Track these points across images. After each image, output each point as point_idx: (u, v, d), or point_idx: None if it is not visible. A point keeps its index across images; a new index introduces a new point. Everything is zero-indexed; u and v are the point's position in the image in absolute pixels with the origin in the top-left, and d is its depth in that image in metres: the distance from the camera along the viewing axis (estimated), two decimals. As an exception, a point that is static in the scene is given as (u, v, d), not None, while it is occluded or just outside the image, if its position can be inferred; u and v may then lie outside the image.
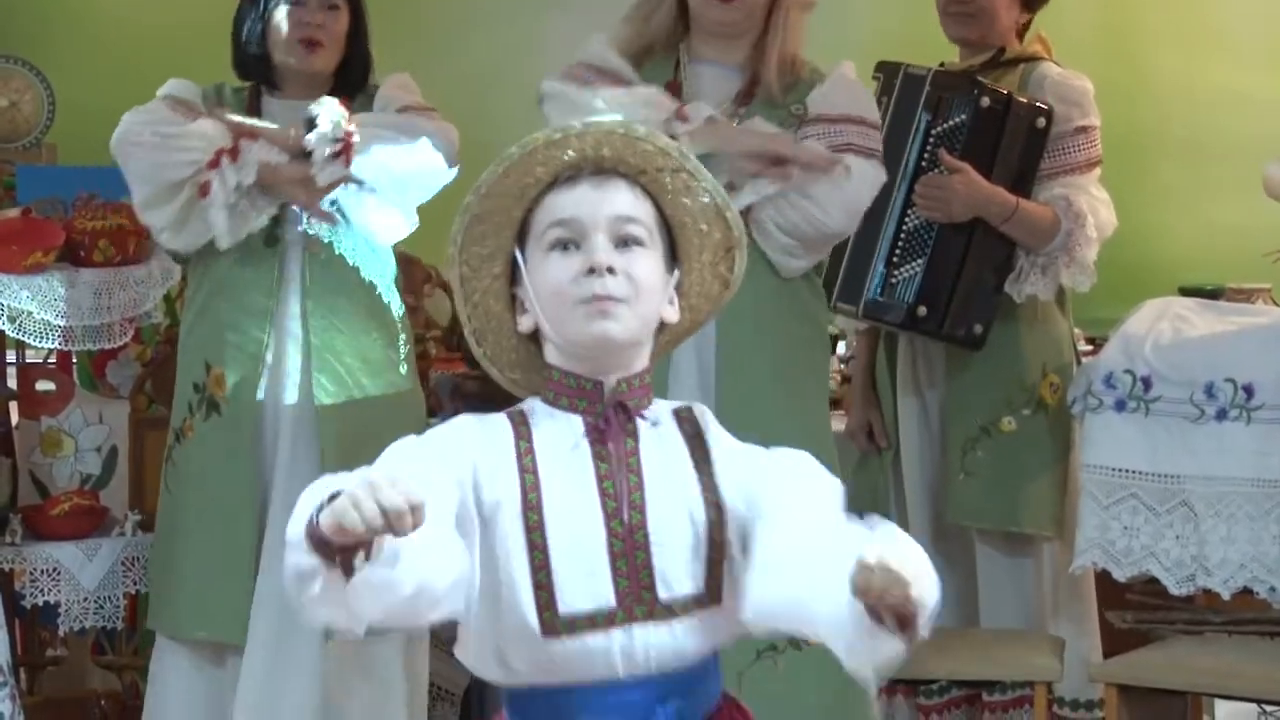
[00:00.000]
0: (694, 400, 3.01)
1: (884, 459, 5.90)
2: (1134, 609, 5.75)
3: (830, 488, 2.78)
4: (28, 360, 5.71)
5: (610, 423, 2.79)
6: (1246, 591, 5.30)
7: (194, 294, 5.32)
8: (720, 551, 2.74)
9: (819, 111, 5.04)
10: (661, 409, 2.86)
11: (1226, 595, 5.30)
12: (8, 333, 5.36)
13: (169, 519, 5.30)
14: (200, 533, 5.20)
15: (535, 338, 2.86)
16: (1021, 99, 5.58)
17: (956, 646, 5.52)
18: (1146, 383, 5.41)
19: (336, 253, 5.20)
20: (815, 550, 2.61)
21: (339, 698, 5.27)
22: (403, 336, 5.35)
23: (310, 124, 4.99)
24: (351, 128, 5.03)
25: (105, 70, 7.65)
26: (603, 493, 2.76)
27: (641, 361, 2.83)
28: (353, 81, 5.33)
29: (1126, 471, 5.41)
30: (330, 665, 5.25)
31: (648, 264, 2.78)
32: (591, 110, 4.83)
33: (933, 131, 5.58)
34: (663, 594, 2.73)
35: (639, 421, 2.81)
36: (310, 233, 5.19)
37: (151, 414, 5.77)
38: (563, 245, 2.76)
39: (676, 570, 2.72)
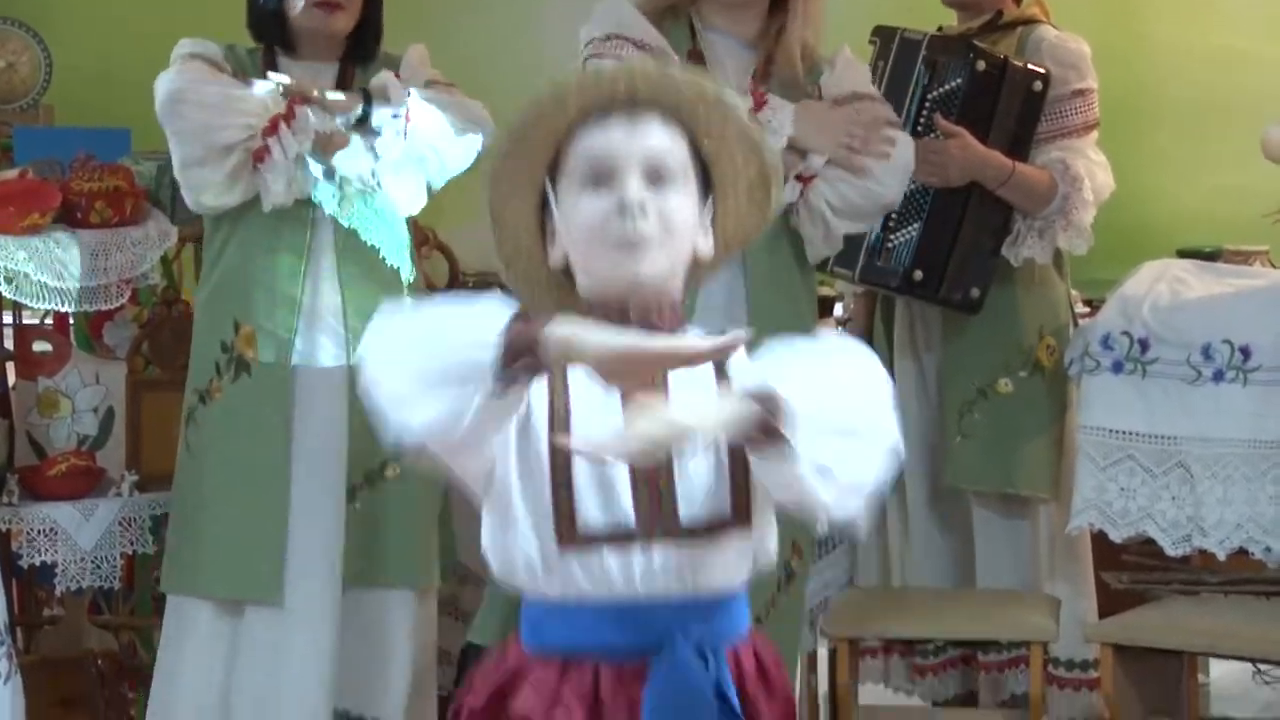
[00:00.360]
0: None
1: (882, 423, 5.84)
2: (1130, 570, 5.78)
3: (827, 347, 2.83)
4: (25, 322, 5.69)
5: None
6: (1242, 552, 5.35)
7: (219, 253, 5.26)
8: (745, 473, 2.72)
9: (836, 93, 5.06)
10: (694, 332, 2.82)
11: (1222, 556, 5.36)
12: (5, 294, 5.35)
13: (191, 481, 5.24)
14: (231, 494, 5.16)
15: (566, 268, 2.85)
16: (1018, 62, 5.59)
17: (952, 607, 5.66)
18: (1144, 344, 5.44)
19: (347, 225, 5.17)
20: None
21: (349, 658, 5.23)
22: (409, 299, 5.27)
23: (368, 96, 5.05)
24: (410, 104, 5.08)
25: (103, 32, 7.66)
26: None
27: (673, 293, 2.81)
28: (366, 45, 5.29)
29: (1123, 433, 5.45)
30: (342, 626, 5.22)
31: (680, 200, 2.76)
32: None
33: (929, 96, 5.60)
34: (685, 515, 2.72)
35: (676, 343, 2.74)
36: (324, 205, 5.14)
37: (148, 375, 5.74)
38: (595, 181, 2.75)
39: (699, 492, 2.71)
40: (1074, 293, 5.98)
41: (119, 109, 5.68)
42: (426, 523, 5.41)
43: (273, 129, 5.01)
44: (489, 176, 2.87)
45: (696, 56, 5.06)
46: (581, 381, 2.70)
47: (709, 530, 2.73)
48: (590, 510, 2.74)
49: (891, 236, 5.59)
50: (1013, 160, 5.56)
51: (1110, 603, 5.74)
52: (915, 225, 5.58)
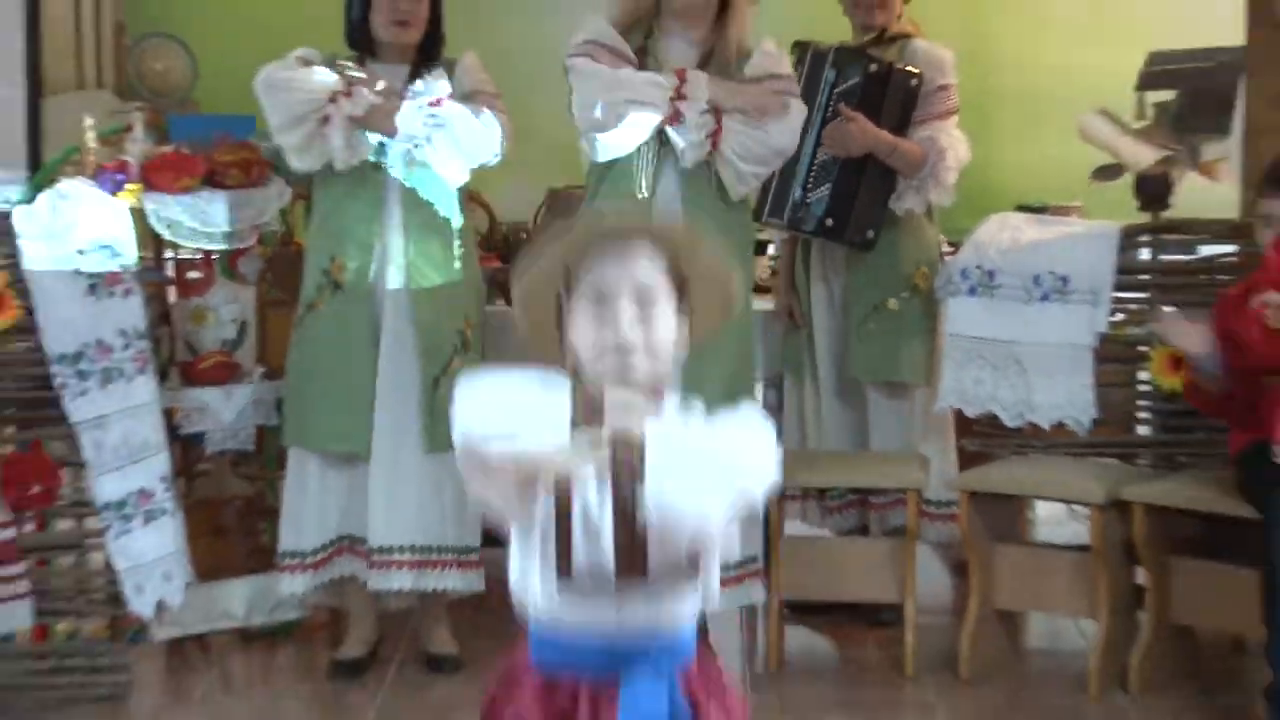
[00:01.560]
0: None
1: (802, 333, 6.02)
2: (980, 437, 6.01)
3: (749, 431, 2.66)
4: (181, 256, 5.73)
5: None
6: (1060, 425, 5.67)
7: (318, 206, 5.49)
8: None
9: (756, 73, 5.26)
10: (670, 400, 2.75)
11: (1046, 426, 5.69)
12: (166, 237, 5.57)
13: (300, 366, 5.48)
14: (330, 375, 5.39)
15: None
16: (899, 66, 5.81)
17: (852, 464, 5.93)
18: (991, 274, 5.72)
19: (409, 185, 5.32)
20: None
21: (435, 491, 5.42)
22: (457, 242, 5.45)
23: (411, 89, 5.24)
24: (442, 97, 5.22)
25: (236, 44, 7.48)
26: (616, 489, 2.59)
27: (662, 383, 2.75)
28: (431, 52, 5.42)
29: (976, 339, 5.73)
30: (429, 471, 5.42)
31: (663, 321, 2.72)
32: (616, 83, 5.09)
33: (835, 91, 5.78)
34: (652, 574, 2.64)
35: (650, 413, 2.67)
36: (392, 170, 5.31)
37: (271, 296, 5.92)
38: (597, 300, 2.70)
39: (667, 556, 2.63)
40: (941, 236, 6.14)
41: (247, 101, 5.56)
42: None
43: (332, 99, 5.19)
44: (518, 282, 2.83)
45: (642, 53, 5.27)
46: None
47: (666, 572, 2.65)
48: (578, 549, 2.64)
49: (809, 195, 5.81)
50: (896, 137, 5.76)
51: (966, 460, 6.02)
52: (826, 186, 5.80)
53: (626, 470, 2.57)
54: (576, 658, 2.74)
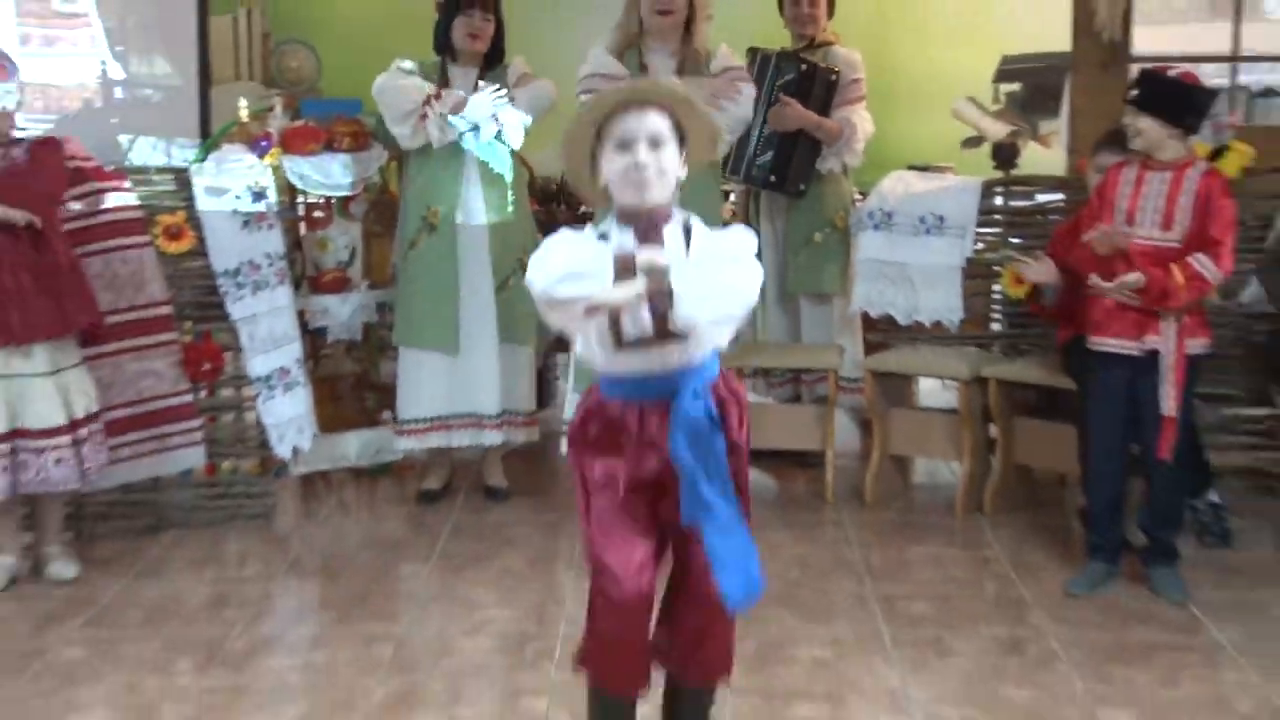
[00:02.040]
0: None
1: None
2: (880, 332, 6.00)
3: (737, 243, 2.85)
4: (309, 200, 5.73)
5: (647, 234, 2.83)
6: (937, 323, 5.68)
7: (417, 171, 5.43)
8: None
9: (720, 68, 5.28)
10: (676, 219, 2.88)
11: (928, 324, 5.69)
12: (298, 187, 5.55)
13: (408, 289, 5.48)
14: (428, 291, 5.41)
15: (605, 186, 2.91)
16: (824, 66, 5.74)
17: (789, 352, 5.92)
18: (889, 215, 5.71)
19: (478, 155, 5.30)
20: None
21: (506, 371, 5.48)
22: (511, 194, 5.43)
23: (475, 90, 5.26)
24: (500, 103, 5.23)
25: (349, 46, 7.51)
26: (651, 300, 2.74)
27: (667, 205, 2.87)
28: (495, 58, 5.43)
29: (879, 261, 5.72)
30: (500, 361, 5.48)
31: (669, 153, 2.84)
32: None
33: (777, 83, 5.72)
34: (675, 326, 2.77)
35: (664, 229, 2.84)
36: (467, 147, 5.30)
37: (374, 230, 5.92)
38: (620, 147, 2.83)
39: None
40: (853, 188, 6.03)
41: (357, 89, 5.69)
42: (532, 310, 5.47)
43: (427, 102, 5.23)
44: (563, 142, 2.93)
45: (644, 69, 5.25)
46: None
47: (688, 335, 2.81)
48: (628, 327, 2.83)
49: (759, 158, 5.76)
50: (821, 117, 5.71)
51: (870, 349, 5.98)
52: (770, 152, 5.76)
53: (657, 290, 2.71)
54: (633, 390, 2.90)
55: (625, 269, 2.76)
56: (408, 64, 5.41)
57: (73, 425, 4.60)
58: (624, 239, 2.85)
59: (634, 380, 2.91)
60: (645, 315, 2.79)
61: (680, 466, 2.82)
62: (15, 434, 4.51)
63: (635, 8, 5.29)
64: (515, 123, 5.34)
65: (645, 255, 2.74)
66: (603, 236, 2.89)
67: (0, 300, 4.43)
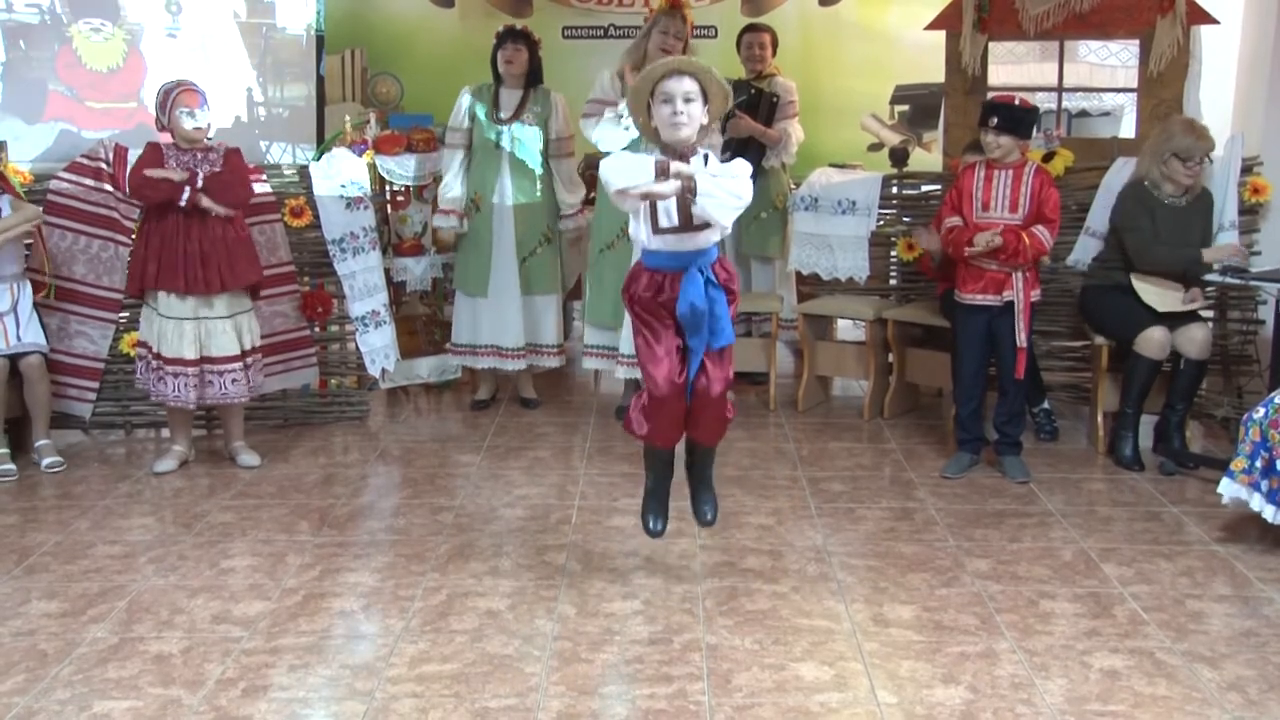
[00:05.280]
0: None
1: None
2: (809, 285, 5.85)
3: (739, 168, 3.01)
4: (394, 188, 5.55)
5: (680, 158, 3.01)
6: (850, 279, 5.51)
7: (471, 166, 5.25)
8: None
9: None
10: (699, 151, 3.07)
11: (843, 279, 5.54)
12: (386, 178, 5.48)
13: (462, 252, 5.35)
14: (473, 252, 5.30)
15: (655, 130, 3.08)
16: (769, 91, 5.59)
17: (743, 299, 5.43)
18: (816, 200, 5.59)
19: (518, 155, 5.15)
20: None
21: (528, 315, 5.36)
22: (539, 185, 5.23)
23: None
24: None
25: (425, 77, 7.38)
26: (681, 198, 2.96)
27: (693, 140, 3.04)
28: (533, 80, 5.21)
29: (808, 233, 5.56)
30: (523, 304, 5.34)
31: (697, 107, 3.03)
32: (616, 122, 4.90)
33: (734, 103, 5.33)
34: (696, 220, 3.01)
35: (691, 159, 3.03)
36: (503, 144, 5.16)
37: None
38: (665, 100, 3.02)
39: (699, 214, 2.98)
40: (790, 179, 5.84)
41: (430, 107, 5.79)
42: (555, 272, 5.37)
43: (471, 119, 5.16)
44: (629, 96, 3.17)
45: None
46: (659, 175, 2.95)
47: (701, 226, 3.03)
48: (662, 220, 3.05)
49: (722, 157, 5.53)
50: (765, 128, 5.54)
51: (802, 297, 5.84)
52: (728, 153, 5.30)
53: (687, 190, 2.93)
54: (664, 261, 3.10)
55: (663, 173, 2.95)
56: (469, 87, 5.26)
57: (243, 355, 4.55)
58: (664, 159, 3.01)
59: (665, 254, 3.08)
60: (674, 209, 2.99)
61: (681, 320, 3.08)
62: (203, 360, 4.48)
63: (645, 41, 5.05)
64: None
65: (676, 165, 2.95)
66: (655, 161, 3.01)
67: (196, 263, 4.38)
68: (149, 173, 4.32)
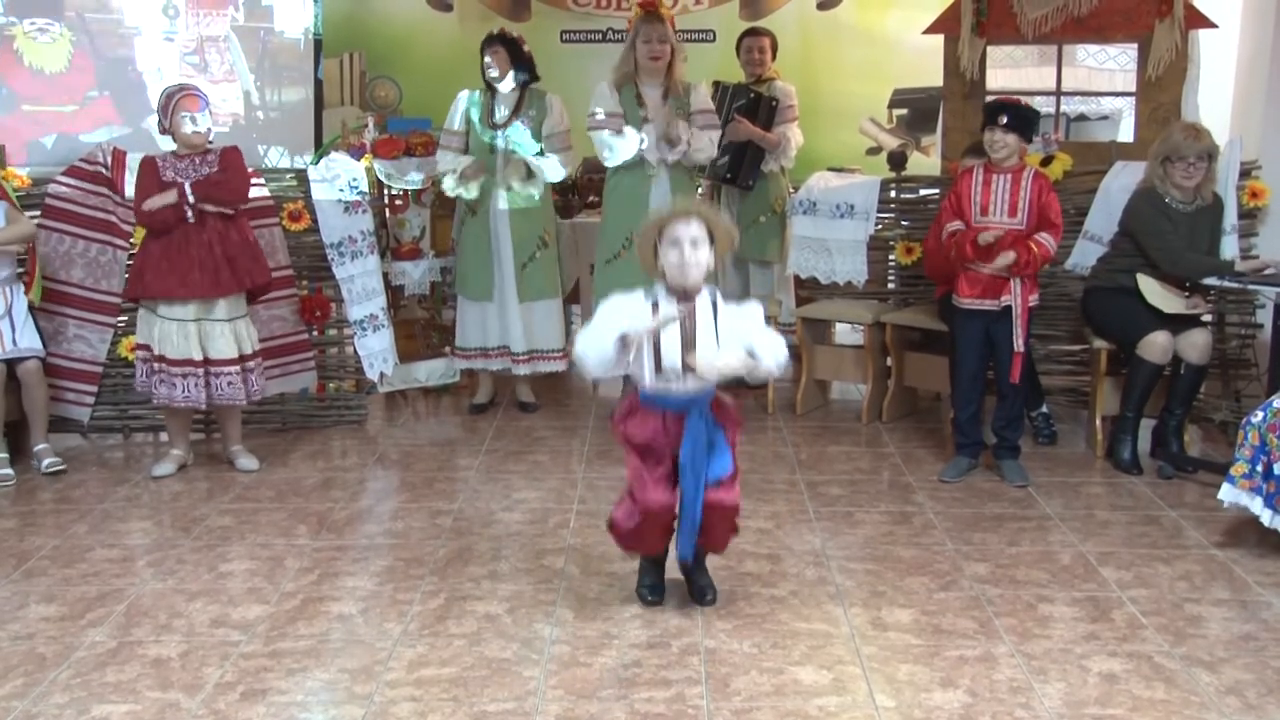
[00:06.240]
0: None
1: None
2: (808, 289, 5.87)
3: (752, 312, 3.11)
4: (392, 193, 5.59)
5: (687, 303, 3.07)
6: (849, 283, 5.49)
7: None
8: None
9: (700, 106, 5.08)
10: (705, 292, 3.10)
11: (842, 284, 5.53)
12: (384, 182, 5.51)
13: (461, 257, 5.34)
14: (473, 257, 5.28)
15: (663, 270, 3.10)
16: (768, 95, 5.63)
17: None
18: (814, 204, 5.56)
19: (516, 156, 5.11)
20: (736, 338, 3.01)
21: (529, 321, 5.33)
22: (535, 189, 5.23)
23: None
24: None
25: (422, 80, 7.36)
26: (681, 327, 3.05)
27: (700, 282, 3.08)
28: (523, 76, 5.13)
29: (807, 238, 5.57)
30: (524, 309, 5.32)
31: (704, 251, 3.06)
32: (621, 135, 4.99)
33: (734, 106, 5.61)
34: (698, 370, 3.04)
35: (696, 300, 3.07)
36: (506, 149, 5.13)
37: (439, 214, 5.73)
38: (673, 244, 3.05)
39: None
40: (789, 183, 5.81)
41: (428, 112, 5.74)
42: (554, 276, 5.35)
43: (467, 129, 5.14)
44: (638, 238, 3.15)
45: (640, 100, 5.02)
46: (668, 336, 3.04)
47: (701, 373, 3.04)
48: (667, 363, 3.07)
49: (719, 161, 5.54)
50: (765, 132, 5.59)
51: (800, 301, 5.86)
52: (728, 157, 5.58)
53: (687, 334, 3.03)
54: (663, 402, 3.12)
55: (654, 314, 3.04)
56: (463, 93, 5.24)
57: (241, 359, 4.54)
58: (669, 303, 3.07)
59: (662, 397, 3.11)
60: (677, 357, 3.04)
61: (682, 468, 3.10)
62: (206, 361, 4.49)
63: (632, 52, 5.06)
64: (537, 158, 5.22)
65: (662, 312, 3.03)
66: (654, 303, 3.09)
67: (195, 266, 4.38)
68: (146, 207, 4.36)
